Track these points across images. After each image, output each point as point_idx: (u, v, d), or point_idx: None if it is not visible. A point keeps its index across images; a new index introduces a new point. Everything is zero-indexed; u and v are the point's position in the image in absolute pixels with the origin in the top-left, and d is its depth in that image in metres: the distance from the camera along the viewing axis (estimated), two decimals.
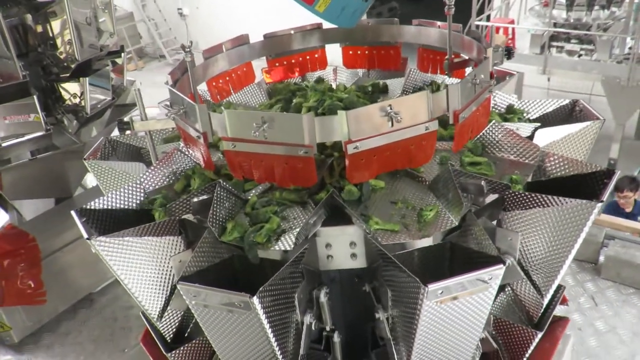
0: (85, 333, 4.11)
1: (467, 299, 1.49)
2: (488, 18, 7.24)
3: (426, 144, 1.70)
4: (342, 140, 1.60)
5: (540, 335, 1.94)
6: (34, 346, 4.01)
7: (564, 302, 2.33)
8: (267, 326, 1.53)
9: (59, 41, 4.10)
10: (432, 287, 1.38)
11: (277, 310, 1.58)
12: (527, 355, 2.03)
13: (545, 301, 1.87)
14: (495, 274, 1.46)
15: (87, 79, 3.94)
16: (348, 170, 1.67)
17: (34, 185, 4.07)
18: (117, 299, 4.41)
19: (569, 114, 2.35)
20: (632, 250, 3.81)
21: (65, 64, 4.11)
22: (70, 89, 4.14)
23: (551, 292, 1.82)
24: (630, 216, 4.55)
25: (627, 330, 3.48)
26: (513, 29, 7.24)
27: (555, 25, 6.91)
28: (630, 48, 6.33)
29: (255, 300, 1.43)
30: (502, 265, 1.45)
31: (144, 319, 2.22)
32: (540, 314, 1.98)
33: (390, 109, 1.58)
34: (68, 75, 3.99)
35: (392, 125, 1.61)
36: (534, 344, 1.98)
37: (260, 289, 1.45)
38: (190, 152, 2.03)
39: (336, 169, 1.90)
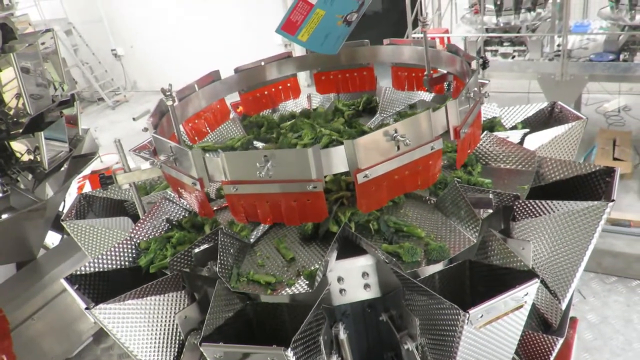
0: None
1: (504, 319, 1.45)
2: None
3: (433, 164, 1.67)
4: (350, 171, 1.55)
5: (561, 341, 1.93)
6: None
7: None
8: None
9: (6, 96, 3.90)
10: (473, 312, 1.34)
11: (307, 357, 1.49)
12: None
13: (564, 306, 1.86)
14: (531, 289, 1.42)
15: (41, 132, 3.74)
16: (358, 199, 1.61)
17: None
18: None
19: (549, 116, 2.40)
20: (609, 239, 3.92)
21: (15, 119, 3.90)
22: (22, 145, 3.93)
23: (569, 296, 1.81)
24: None
25: (618, 319, 3.55)
26: (448, 37, 7.47)
27: (487, 30, 7.19)
28: (559, 45, 6.65)
29: (290, 352, 1.34)
30: (537, 280, 1.42)
31: None
32: (559, 320, 1.97)
33: (396, 132, 1.54)
34: (20, 131, 3.78)
35: (399, 149, 1.57)
36: (556, 350, 1.95)
37: (293, 338, 1.36)
38: (183, 199, 1.92)
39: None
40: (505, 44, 7.24)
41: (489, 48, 7.35)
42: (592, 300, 3.74)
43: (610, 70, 6.06)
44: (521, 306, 1.43)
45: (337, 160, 1.54)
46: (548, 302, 2.01)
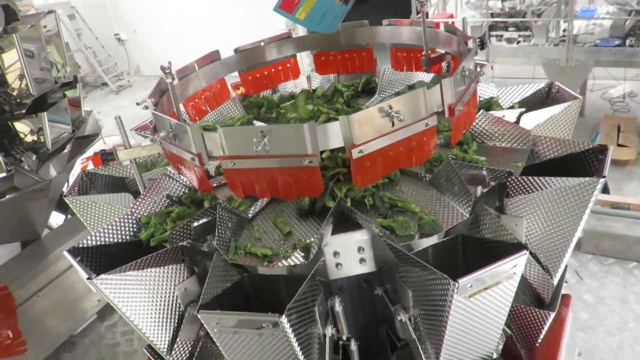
0: None
1: (493, 289, 1.49)
2: (427, 14, 7.43)
3: (427, 141, 1.70)
4: (345, 146, 1.58)
5: (553, 315, 1.96)
6: None
7: (565, 281, 2.37)
8: (295, 344, 1.48)
9: (9, 77, 3.92)
10: (462, 281, 1.37)
11: (303, 326, 1.54)
12: (541, 337, 2.05)
13: (555, 281, 1.90)
14: (520, 260, 1.46)
15: (44, 113, 3.77)
16: (354, 175, 1.64)
17: None
18: (101, 338, 4.23)
19: (546, 96, 2.41)
20: (608, 222, 3.95)
21: (18, 100, 3.93)
22: (26, 126, 3.96)
23: (560, 272, 1.85)
24: None
25: (615, 299, 3.59)
26: (453, 22, 7.44)
27: (492, 15, 7.15)
28: (564, 30, 6.62)
29: (284, 319, 1.38)
30: (525, 252, 1.45)
31: (148, 354, 2.13)
32: (551, 295, 2.00)
33: (390, 108, 1.57)
34: (23, 112, 3.82)
35: (393, 125, 1.60)
36: (548, 324, 1.99)
37: (288, 306, 1.40)
38: (182, 175, 1.96)
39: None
40: (510, 28, 7.21)
41: (493, 33, 7.33)
42: (589, 281, 3.78)
43: (616, 55, 6.04)
44: (510, 277, 1.46)
45: (333, 135, 1.57)
46: (540, 278, 2.05)
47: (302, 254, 1.63)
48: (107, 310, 4.42)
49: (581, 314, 3.50)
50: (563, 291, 2.39)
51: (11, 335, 3.59)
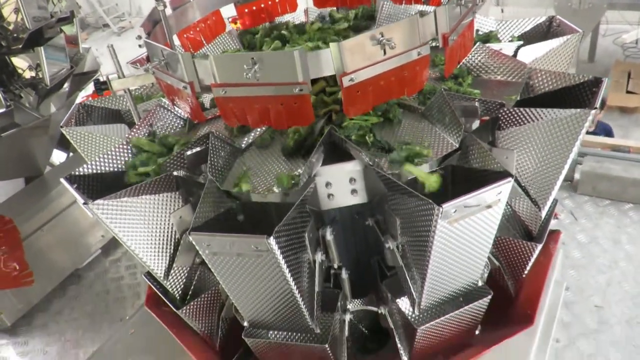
0: (78, 309, 4.07)
1: (478, 216, 1.52)
2: None
3: (419, 70, 1.68)
4: (336, 74, 1.57)
5: (540, 247, 2.01)
6: (28, 327, 3.96)
7: (555, 216, 2.41)
8: (284, 266, 1.53)
9: (4, 11, 3.86)
10: (446, 206, 1.40)
11: (292, 251, 1.59)
12: (527, 268, 2.11)
13: (543, 214, 1.93)
14: (505, 187, 1.48)
15: (41, 48, 3.73)
16: (345, 105, 1.64)
17: (1, 165, 3.92)
18: (105, 271, 4.36)
19: (547, 30, 2.37)
20: (606, 164, 3.95)
21: (15, 35, 3.89)
22: (24, 61, 3.94)
23: (549, 204, 1.87)
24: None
25: (607, 240, 3.64)
26: None
27: None
28: None
29: (272, 240, 1.43)
30: (510, 179, 1.47)
31: (148, 281, 2.20)
32: (538, 227, 2.04)
33: (382, 36, 1.55)
34: (20, 46, 3.78)
35: (385, 53, 1.58)
36: (534, 256, 2.05)
37: (276, 229, 1.44)
38: (176, 106, 1.96)
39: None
40: None
41: None
42: (584, 221, 3.83)
43: None
44: (495, 204, 1.49)
45: (324, 62, 1.56)
46: (530, 211, 2.09)
47: (293, 181, 1.65)
48: (111, 246, 4.53)
49: (573, 253, 3.56)
50: (554, 227, 2.44)
51: (18, 268, 3.70)
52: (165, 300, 2.13)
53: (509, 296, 2.25)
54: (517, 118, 1.77)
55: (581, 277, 3.40)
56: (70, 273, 4.31)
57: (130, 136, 1.97)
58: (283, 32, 2.45)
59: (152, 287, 2.18)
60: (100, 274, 4.35)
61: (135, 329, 2.83)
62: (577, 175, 4.09)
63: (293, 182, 1.64)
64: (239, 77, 1.58)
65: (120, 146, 1.95)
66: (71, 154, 4.84)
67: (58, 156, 4.89)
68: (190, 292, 2.25)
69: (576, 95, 1.89)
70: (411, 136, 1.80)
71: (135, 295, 4.05)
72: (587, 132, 4.82)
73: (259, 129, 1.91)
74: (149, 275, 2.18)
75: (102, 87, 1.98)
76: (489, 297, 1.92)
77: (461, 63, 2.06)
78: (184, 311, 2.08)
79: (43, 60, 3.73)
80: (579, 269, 3.45)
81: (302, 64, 1.54)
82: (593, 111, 1.64)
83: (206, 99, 2.28)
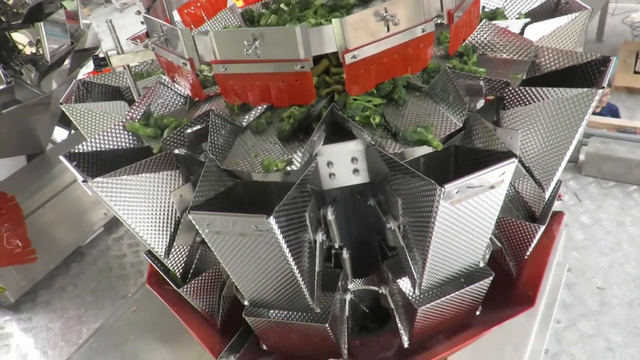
0: (81, 286, 4.10)
1: (480, 197, 1.50)
2: None
3: (424, 47, 1.65)
4: (338, 51, 1.54)
5: (542, 229, 1.99)
6: (32, 304, 3.99)
7: (559, 197, 2.39)
8: (284, 246, 1.52)
9: None
10: (448, 187, 1.38)
11: (292, 230, 1.57)
12: (529, 250, 2.09)
13: (547, 195, 1.91)
14: (508, 168, 1.46)
15: (41, 23, 3.69)
16: (347, 83, 1.62)
17: (2, 142, 3.91)
18: (108, 249, 4.38)
19: (555, 8, 2.31)
20: (612, 145, 3.91)
21: (15, 10, 3.84)
22: (24, 36, 3.90)
23: (553, 185, 1.85)
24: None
25: (611, 221, 3.63)
26: None
27: None
28: None
29: (272, 220, 1.41)
30: (514, 159, 1.45)
31: (149, 260, 2.20)
32: (542, 209, 2.03)
33: (386, 12, 1.51)
34: (20, 22, 3.74)
35: (389, 30, 1.55)
36: (537, 238, 2.03)
37: (276, 208, 1.43)
38: (177, 84, 1.94)
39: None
40: None
41: None
42: (588, 203, 3.80)
43: None
44: (498, 185, 1.47)
45: (326, 39, 1.53)
46: (533, 192, 2.07)
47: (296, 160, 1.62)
48: (113, 224, 4.54)
49: (576, 235, 3.55)
50: (557, 209, 2.42)
51: (20, 245, 3.72)
52: (166, 279, 2.13)
53: (511, 277, 2.24)
54: (523, 97, 1.74)
55: (583, 259, 3.39)
56: (73, 250, 4.33)
57: (125, 120, 1.93)
58: (282, 5, 2.40)
59: (153, 265, 2.18)
60: (102, 252, 4.37)
61: (137, 307, 2.85)
62: (581, 157, 4.05)
63: (285, 164, 1.60)
64: (240, 54, 1.56)
65: (120, 124, 1.93)
66: (73, 131, 4.83)
67: (60, 133, 4.88)
68: (191, 271, 2.25)
69: (583, 74, 1.85)
70: (416, 118, 1.76)
71: (137, 273, 4.08)
72: (593, 113, 4.78)
73: (259, 107, 1.88)
74: (150, 253, 2.18)
75: (101, 63, 1.95)
76: (491, 278, 1.92)
77: (466, 41, 2.02)
78: (185, 289, 2.08)
79: (43, 36, 3.70)
80: (581, 250, 3.44)
81: (303, 40, 1.51)
82: (600, 91, 1.61)
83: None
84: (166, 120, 1.87)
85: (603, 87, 1.62)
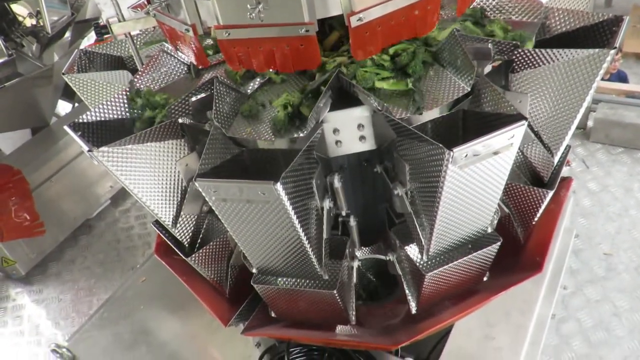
0: (90, 258, 4.14)
1: (489, 161, 1.48)
2: None
3: (431, 9, 1.61)
4: (344, 13, 1.51)
5: (551, 194, 1.98)
6: (42, 276, 4.04)
7: (567, 163, 2.36)
8: (291, 213, 1.52)
9: None
10: (456, 150, 1.36)
11: (299, 197, 1.57)
12: (537, 215, 2.08)
13: (556, 160, 1.89)
14: (517, 131, 1.44)
15: None
16: (353, 47, 1.58)
17: (6, 116, 3.90)
18: (116, 221, 4.40)
19: None
20: (620, 111, 3.87)
21: None
22: (24, 8, 3.85)
23: (562, 150, 1.83)
24: None
25: (619, 187, 3.61)
26: None
27: None
28: None
29: (279, 186, 1.40)
30: (524, 122, 1.42)
31: (157, 230, 2.21)
32: (550, 174, 2.00)
33: None
34: None
35: None
36: (545, 203, 2.02)
37: (282, 174, 1.42)
38: (180, 52, 1.91)
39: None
40: None
41: None
42: (596, 169, 3.78)
43: None
44: (507, 149, 1.45)
45: (330, 1, 1.50)
46: (542, 157, 2.04)
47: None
48: (120, 196, 4.56)
49: (584, 201, 3.54)
50: (565, 175, 2.40)
51: (28, 218, 3.74)
52: (174, 248, 2.14)
53: (518, 243, 2.24)
54: (532, 60, 1.70)
55: (591, 225, 3.38)
56: (81, 223, 4.36)
57: (128, 90, 1.90)
58: None
59: (161, 235, 2.19)
60: (110, 224, 4.40)
61: (146, 277, 2.88)
62: (590, 123, 4.01)
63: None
64: (243, 18, 1.52)
65: (124, 92, 1.91)
66: (77, 104, 4.81)
67: (64, 107, 4.87)
68: (199, 240, 2.26)
69: (594, 35, 1.81)
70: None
71: (145, 245, 4.11)
72: (602, 80, 4.72)
73: (264, 74, 1.85)
74: (158, 223, 2.18)
75: (102, 31, 1.92)
76: (498, 244, 1.91)
77: (474, 3, 1.97)
78: (193, 259, 2.09)
79: (43, 7, 3.65)
80: (588, 217, 3.43)
81: (308, 2, 1.47)
82: (612, 51, 1.57)
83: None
84: (158, 97, 1.85)
85: (615, 47, 1.58)
